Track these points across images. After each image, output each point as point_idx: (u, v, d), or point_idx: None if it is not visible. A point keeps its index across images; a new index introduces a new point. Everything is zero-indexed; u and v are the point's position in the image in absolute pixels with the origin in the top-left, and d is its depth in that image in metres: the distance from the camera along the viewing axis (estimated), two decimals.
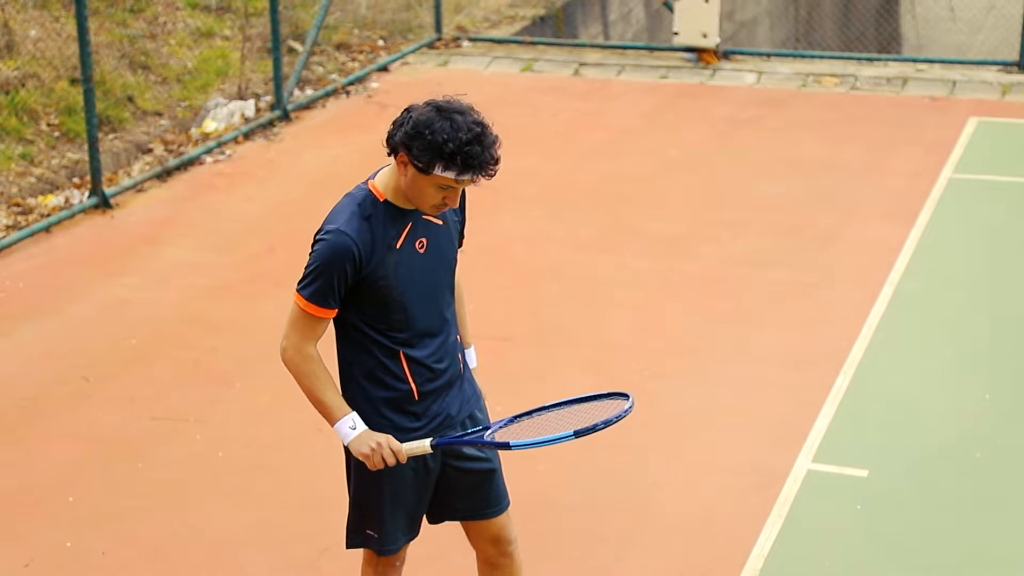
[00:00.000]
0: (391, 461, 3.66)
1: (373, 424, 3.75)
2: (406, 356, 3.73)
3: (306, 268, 3.67)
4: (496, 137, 3.57)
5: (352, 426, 3.68)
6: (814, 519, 5.22)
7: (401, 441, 3.71)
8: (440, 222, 3.75)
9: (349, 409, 3.69)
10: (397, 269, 3.66)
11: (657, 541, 5.14)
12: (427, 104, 3.57)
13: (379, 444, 3.65)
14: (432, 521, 4.02)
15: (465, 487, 3.92)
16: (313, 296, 3.64)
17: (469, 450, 3.87)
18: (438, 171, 3.53)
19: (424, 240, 3.71)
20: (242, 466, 5.70)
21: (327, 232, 3.63)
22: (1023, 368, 6.41)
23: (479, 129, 3.52)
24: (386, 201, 3.66)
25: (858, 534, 5.11)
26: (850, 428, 5.88)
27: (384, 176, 3.69)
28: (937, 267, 7.56)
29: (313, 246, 3.67)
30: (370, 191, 3.68)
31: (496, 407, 5.72)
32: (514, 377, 6.30)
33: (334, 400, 3.69)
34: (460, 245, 3.88)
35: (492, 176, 3.59)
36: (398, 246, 3.66)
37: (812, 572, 4.92)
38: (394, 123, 3.61)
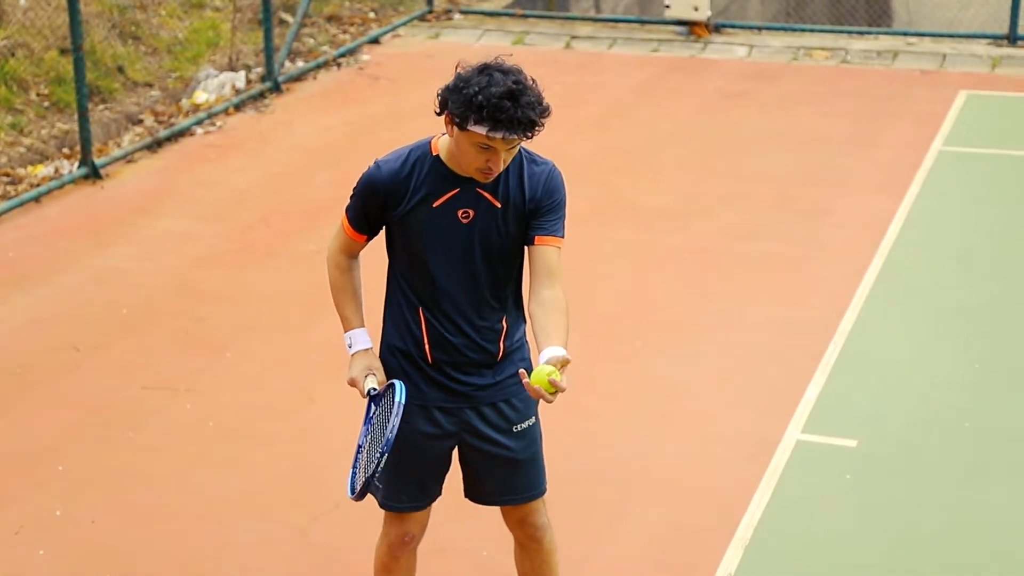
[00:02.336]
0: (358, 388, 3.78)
1: (391, 370, 3.78)
2: (425, 316, 3.70)
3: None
4: (539, 99, 3.48)
5: (349, 344, 3.82)
6: (803, 489, 5.21)
7: (410, 402, 3.69)
8: (498, 204, 3.63)
9: (356, 325, 3.80)
10: (428, 227, 3.62)
11: (647, 510, 5.13)
12: (470, 65, 3.53)
13: (354, 376, 3.79)
14: (468, 496, 3.96)
15: (486, 470, 3.86)
16: (349, 215, 3.77)
17: (489, 431, 3.80)
18: (471, 126, 3.46)
19: (471, 212, 3.63)
20: (233, 435, 5.67)
21: (373, 163, 3.70)
22: (1012, 338, 6.40)
23: (516, 87, 3.45)
24: (437, 157, 3.64)
25: (847, 504, 5.10)
26: (839, 398, 5.86)
27: (444, 137, 3.66)
28: (927, 239, 7.54)
29: None
30: (428, 144, 3.67)
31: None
32: None
33: (347, 313, 3.81)
34: (532, 241, 3.65)
35: (531, 137, 3.50)
36: (435, 205, 3.62)
37: (801, 542, 4.91)
38: (443, 87, 3.57)
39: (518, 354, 3.82)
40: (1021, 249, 7.41)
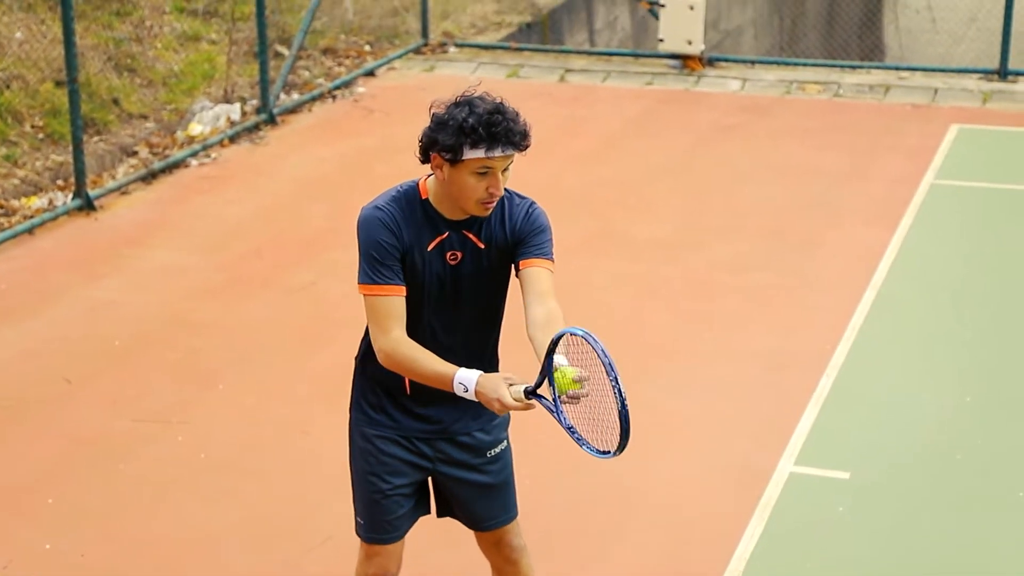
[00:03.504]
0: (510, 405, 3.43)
1: (370, 400, 3.75)
2: None
3: (359, 256, 3.61)
4: (518, 113, 3.51)
5: (464, 389, 3.45)
6: (796, 520, 5.18)
7: (374, 436, 3.69)
8: (482, 245, 3.64)
9: (454, 369, 3.48)
10: (420, 270, 3.60)
11: (640, 540, 5.10)
12: (442, 102, 3.55)
13: (500, 395, 3.42)
14: (439, 515, 3.97)
15: (462, 497, 3.87)
16: (368, 277, 3.57)
17: (465, 457, 3.80)
18: (468, 152, 3.45)
19: (459, 254, 3.63)
20: (225, 467, 5.64)
21: (363, 210, 3.62)
22: (1004, 371, 6.40)
23: (499, 105, 3.49)
24: (427, 200, 3.61)
25: (840, 536, 5.07)
26: (832, 430, 5.84)
27: (431, 180, 3.64)
28: (919, 271, 7.54)
29: (357, 226, 3.62)
30: (417, 187, 3.64)
31: None
32: None
33: (439, 369, 3.50)
34: (518, 267, 3.63)
35: (524, 149, 3.50)
36: (428, 248, 3.61)
37: (794, 573, 4.88)
38: (422, 133, 3.56)
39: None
40: (1013, 282, 7.42)
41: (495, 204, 3.58)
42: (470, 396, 3.46)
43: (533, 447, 5.77)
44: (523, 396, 3.40)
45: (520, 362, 3.96)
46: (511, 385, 3.42)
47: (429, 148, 3.53)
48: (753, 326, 6.91)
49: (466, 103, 3.49)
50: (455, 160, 3.49)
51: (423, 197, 3.62)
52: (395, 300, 3.57)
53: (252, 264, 7.74)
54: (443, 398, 3.66)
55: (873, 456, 5.63)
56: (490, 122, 3.44)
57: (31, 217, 8.31)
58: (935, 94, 10.82)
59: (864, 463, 5.56)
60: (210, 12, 11.67)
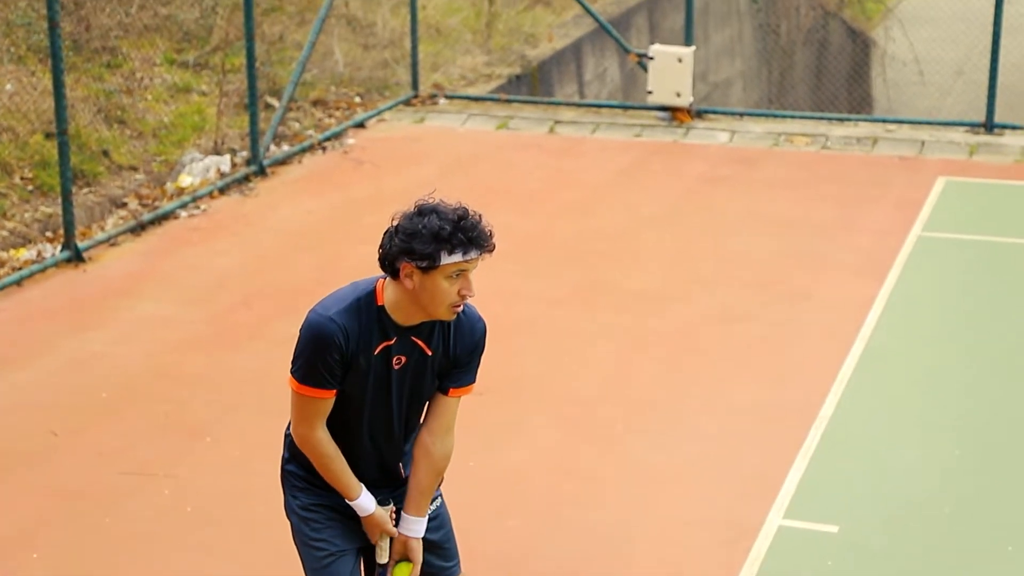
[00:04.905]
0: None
1: (295, 483, 3.83)
2: (336, 438, 3.75)
3: (295, 348, 3.67)
4: (481, 215, 3.61)
5: (363, 513, 3.77)
6: (785, 575, 5.17)
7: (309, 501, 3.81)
8: (430, 352, 3.71)
9: (360, 491, 3.75)
10: (364, 372, 3.66)
11: None
12: (402, 214, 3.60)
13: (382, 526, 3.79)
14: None
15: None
16: (306, 379, 3.65)
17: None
18: (444, 258, 3.52)
19: (403, 358, 3.69)
20: (211, 520, 5.62)
21: (319, 315, 3.63)
22: (992, 424, 6.41)
23: (463, 211, 3.59)
24: (382, 307, 3.65)
25: None
26: (821, 484, 5.84)
27: (388, 287, 3.67)
28: (907, 323, 7.57)
29: (304, 323, 3.66)
30: (374, 293, 3.66)
31: (467, 462, 5.69)
32: (487, 431, 6.25)
33: (347, 481, 3.74)
34: (445, 391, 3.78)
35: (492, 250, 3.60)
36: (375, 352, 3.65)
37: None
38: (381, 246, 3.61)
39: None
40: (1001, 333, 7.45)
41: (462, 308, 3.66)
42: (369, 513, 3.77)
43: (519, 501, 5.76)
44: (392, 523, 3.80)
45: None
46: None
47: (398, 258, 3.57)
48: (741, 378, 6.92)
49: (431, 210, 3.55)
50: (430, 268, 3.54)
51: (379, 304, 3.65)
52: (326, 401, 3.68)
53: (240, 316, 7.75)
54: (371, 467, 3.78)
55: (862, 510, 5.63)
56: (463, 227, 3.53)
57: (19, 269, 8.31)
58: (922, 146, 10.90)
59: (853, 517, 5.56)
60: (200, 64, 11.74)
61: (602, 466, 6.07)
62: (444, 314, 3.62)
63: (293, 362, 3.67)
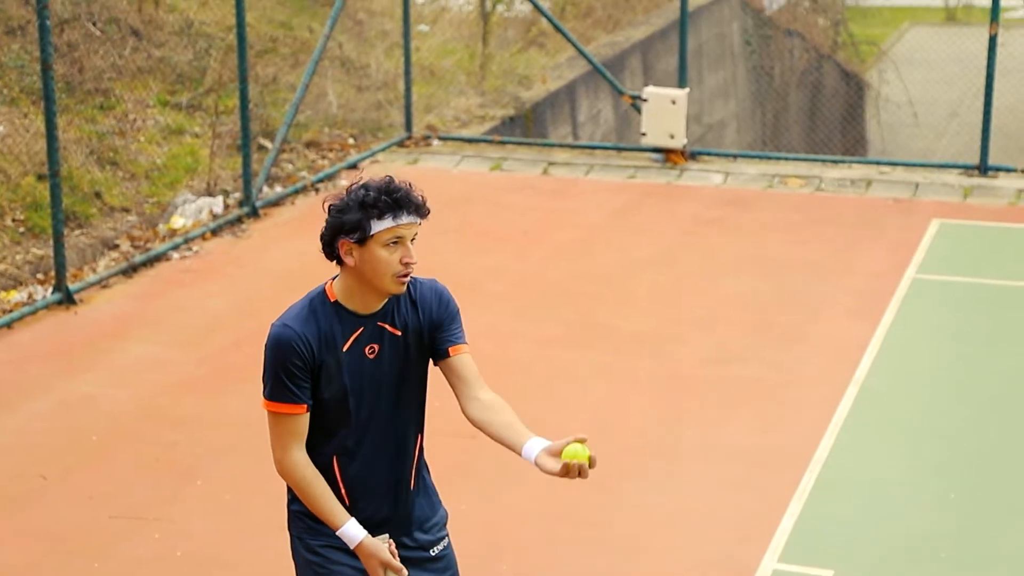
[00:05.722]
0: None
1: (306, 525, 3.74)
2: (340, 463, 3.69)
3: (263, 369, 3.67)
4: (411, 184, 3.63)
5: (351, 542, 3.62)
6: None
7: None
8: (398, 332, 3.68)
9: (348, 517, 3.63)
10: (341, 372, 3.63)
11: None
12: (342, 192, 3.66)
13: (384, 559, 3.61)
14: None
15: None
16: (274, 394, 3.63)
17: (407, 553, 3.77)
18: (375, 225, 3.54)
19: (375, 347, 3.66)
20: (202, 564, 5.62)
21: (275, 326, 3.64)
22: (988, 467, 6.42)
23: (389, 179, 3.61)
24: (336, 302, 3.65)
25: None
26: (816, 527, 5.85)
27: (337, 280, 3.69)
28: (901, 366, 7.59)
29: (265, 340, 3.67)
30: (324, 291, 3.68)
31: (460, 505, 5.69)
32: (480, 474, 6.26)
33: (332, 507, 3.63)
34: (446, 354, 3.70)
35: (426, 214, 3.61)
36: (344, 348, 3.63)
37: None
38: (320, 236, 3.65)
39: (423, 482, 3.85)
40: (995, 377, 7.47)
41: (411, 271, 3.63)
42: (357, 542, 3.60)
43: (512, 545, 5.76)
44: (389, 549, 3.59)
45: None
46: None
47: (334, 238, 3.59)
48: (735, 421, 6.94)
49: (359, 186, 3.60)
50: (364, 238, 3.55)
51: (332, 300, 3.65)
52: (298, 419, 3.62)
53: (232, 357, 7.76)
54: (380, 504, 3.72)
55: (857, 553, 5.63)
56: (390, 190, 3.55)
57: (10, 311, 8.33)
58: (916, 188, 10.97)
59: (848, 560, 5.56)
60: (194, 105, 11.81)
61: (596, 509, 6.07)
62: (391, 286, 3.60)
63: (263, 383, 3.65)
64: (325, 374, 3.62)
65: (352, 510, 3.70)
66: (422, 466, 3.85)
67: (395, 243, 3.57)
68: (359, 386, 3.66)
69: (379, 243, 3.56)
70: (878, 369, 7.48)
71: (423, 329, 3.71)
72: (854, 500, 6.10)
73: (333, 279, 3.71)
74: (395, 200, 3.54)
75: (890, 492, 6.18)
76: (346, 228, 3.55)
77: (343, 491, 3.71)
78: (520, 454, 3.59)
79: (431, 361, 3.77)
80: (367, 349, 3.65)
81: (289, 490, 3.82)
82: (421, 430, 3.83)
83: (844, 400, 7.07)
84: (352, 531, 3.61)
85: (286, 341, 3.59)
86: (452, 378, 3.72)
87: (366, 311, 3.66)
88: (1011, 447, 6.62)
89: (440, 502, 3.91)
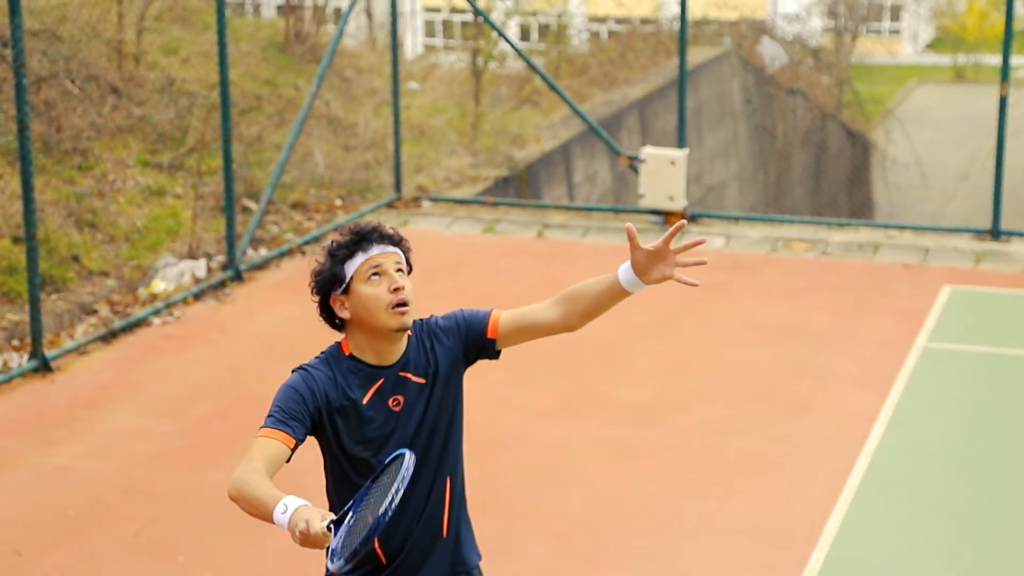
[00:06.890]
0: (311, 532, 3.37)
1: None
2: None
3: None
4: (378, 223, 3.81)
5: (284, 509, 3.42)
6: None
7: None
8: (422, 380, 3.77)
9: (281, 495, 3.45)
10: (363, 426, 3.72)
11: None
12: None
13: (305, 523, 3.36)
14: None
15: None
16: (265, 423, 3.69)
17: None
18: (349, 267, 3.70)
19: (400, 398, 3.76)
20: None
21: (298, 369, 3.77)
22: (1000, 543, 6.45)
23: (354, 224, 3.78)
24: (351, 355, 3.77)
25: None
26: None
27: (346, 339, 3.82)
28: (912, 439, 7.64)
29: None
30: (339, 346, 3.81)
31: None
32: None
33: (268, 491, 3.47)
34: (492, 333, 3.83)
35: (400, 244, 3.76)
36: (364, 400, 3.73)
37: None
38: (318, 310, 3.80)
39: (458, 528, 3.89)
40: (1009, 450, 7.52)
41: (409, 309, 3.72)
42: (285, 519, 3.38)
43: None
44: (325, 528, 3.34)
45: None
46: (323, 520, 3.35)
47: (325, 301, 3.77)
48: (740, 496, 6.97)
49: (328, 244, 3.78)
50: (345, 284, 3.71)
51: (347, 354, 3.78)
52: (277, 445, 3.62)
53: (214, 428, 7.79)
54: (418, 562, 3.76)
55: None
56: (351, 230, 3.74)
57: None
58: (926, 253, 11.06)
59: None
60: (175, 166, 11.91)
61: None
62: (390, 320, 3.70)
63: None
64: (344, 424, 3.72)
65: (388, 561, 3.77)
66: (458, 512, 3.89)
67: (376, 275, 3.72)
68: (383, 437, 3.74)
69: (361, 281, 3.71)
70: (888, 442, 7.53)
71: (449, 361, 3.82)
72: None
73: (343, 339, 3.82)
74: (359, 235, 3.72)
75: (901, 569, 6.21)
76: (328, 285, 3.73)
77: (376, 544, 3.73)
78: (624, 288, 4.04)
79: (497, 348, 3.86)
80: (391, 401, 3.76)
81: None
82: (457, 475, 3.88)
83: (853, 474, 7.11)
84: (291, 501, 3.42)
85: (296, 378, 3.73)
86: (520, 330, 3.88)
87: (382, 362, 3.77)
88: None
89: (473, 548, 3.95)
